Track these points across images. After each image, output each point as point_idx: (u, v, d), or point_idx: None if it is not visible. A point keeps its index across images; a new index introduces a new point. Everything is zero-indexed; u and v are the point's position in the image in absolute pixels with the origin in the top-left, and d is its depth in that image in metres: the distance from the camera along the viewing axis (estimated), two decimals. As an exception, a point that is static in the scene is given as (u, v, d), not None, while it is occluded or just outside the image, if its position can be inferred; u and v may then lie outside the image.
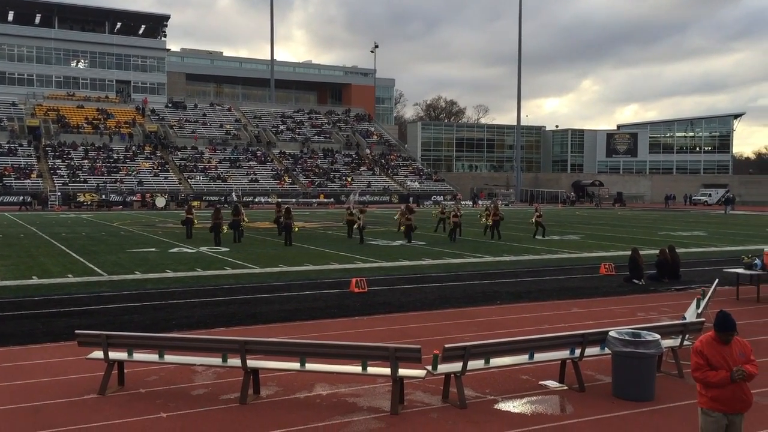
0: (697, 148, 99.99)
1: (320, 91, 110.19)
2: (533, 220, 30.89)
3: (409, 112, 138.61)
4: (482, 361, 8.26)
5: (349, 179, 71.33)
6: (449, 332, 11.48)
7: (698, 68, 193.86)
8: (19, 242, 26.30)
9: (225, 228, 26.11)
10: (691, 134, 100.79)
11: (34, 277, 17.26)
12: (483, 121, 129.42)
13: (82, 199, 56.33)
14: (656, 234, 32.94)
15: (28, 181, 59.07)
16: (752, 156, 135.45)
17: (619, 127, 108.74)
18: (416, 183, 74.81)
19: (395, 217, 34.08)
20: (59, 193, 56.49)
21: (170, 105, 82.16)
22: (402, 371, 7.75)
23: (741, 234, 33.78)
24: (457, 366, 7.93)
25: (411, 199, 66.27)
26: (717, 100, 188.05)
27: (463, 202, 68.19)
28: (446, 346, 7.94)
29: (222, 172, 67.64)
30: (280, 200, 41.94)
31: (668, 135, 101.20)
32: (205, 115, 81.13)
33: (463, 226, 30.95)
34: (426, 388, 8.47)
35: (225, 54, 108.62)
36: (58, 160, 64.03)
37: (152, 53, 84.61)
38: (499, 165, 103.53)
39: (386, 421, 7.39)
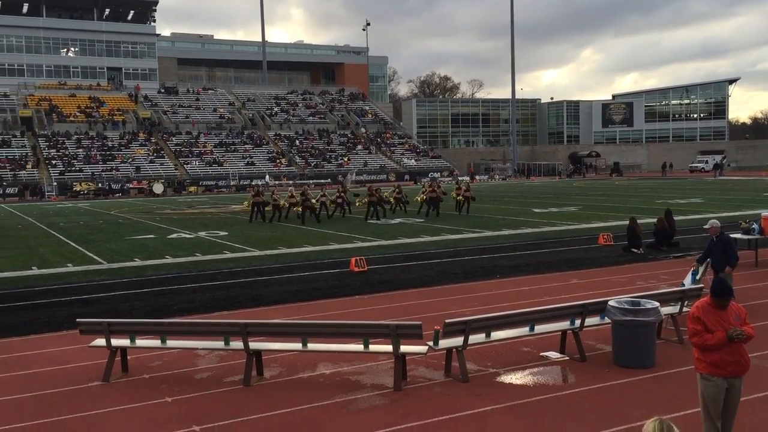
0: (693, 115, 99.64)
1: (313, 71, 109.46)
2: (457, 195, 29.29)
3: (403, 90, 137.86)
4: (483, 335, 8.31)
5: (346, 159, 71.15)
6: (449, 308, 11.53)
7: (699, 34, 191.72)
8: (17, 233, 26.27)
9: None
10: (687, 101, 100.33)
11: (33, 267, 17.26)
12: (478, 95, 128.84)
13: (78, 188, 56.18)
14: (654, 203, 32.94)
15: (24, 172, 58.84)
16: (748, 121, 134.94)
17: (614, 96, 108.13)
18: (413, 160, 74.64)
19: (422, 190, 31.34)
20: (55, 183, 56.33)
21: (163, 90, 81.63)
22: (404, 348, 7.80)
23: (738, 199, 33.81)
24: (458, 341, 7.98)
25: (402, 177, 66.26)
26: (717, 65, 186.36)
27: (460, 178, 68.00)
28: (447, 321, 7.98)
29: (218, 156, 67.43)
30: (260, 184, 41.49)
31: (664, 103, 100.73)
32: (198, 99, 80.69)
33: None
34: (428, 363, 8.52)
35: (219, 37, 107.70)
36: (52, 150, 63.77)
37: (142, 39, 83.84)
38: (495, 139, 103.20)
39: (390, 398, 7.45)
